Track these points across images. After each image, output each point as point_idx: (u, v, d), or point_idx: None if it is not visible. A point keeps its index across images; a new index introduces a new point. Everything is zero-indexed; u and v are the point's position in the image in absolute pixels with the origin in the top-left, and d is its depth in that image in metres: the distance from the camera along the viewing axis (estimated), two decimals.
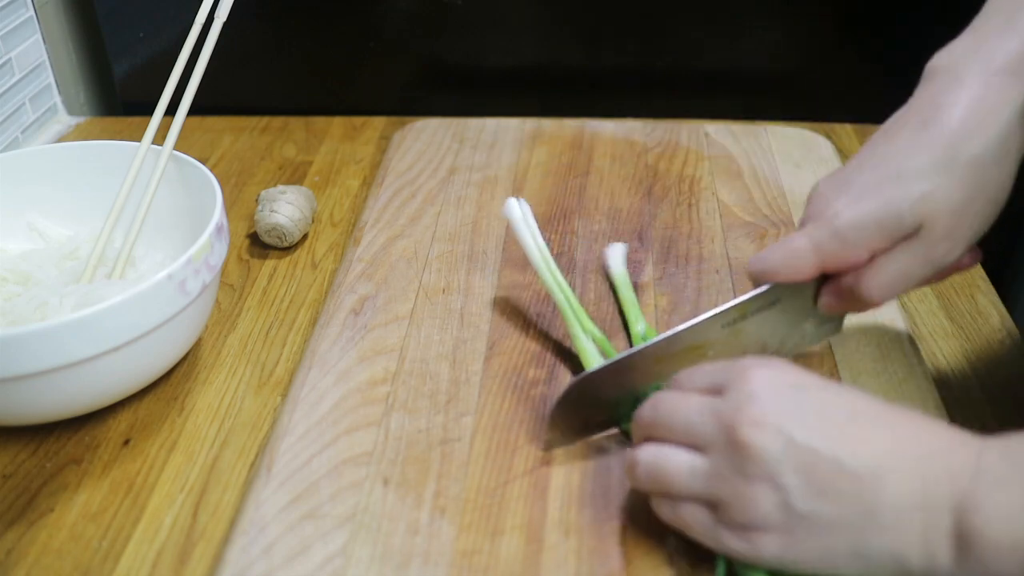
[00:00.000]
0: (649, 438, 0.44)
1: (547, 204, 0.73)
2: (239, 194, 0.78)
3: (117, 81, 0.92)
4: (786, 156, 0.78)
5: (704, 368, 0.45)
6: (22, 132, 0.86)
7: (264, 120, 0.90)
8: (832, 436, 0.39)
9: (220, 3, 0.65)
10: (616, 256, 0.64)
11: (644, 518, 0.47)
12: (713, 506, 0.41)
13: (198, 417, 0.56)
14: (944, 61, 0.48)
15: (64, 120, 0.92)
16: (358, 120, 0.90)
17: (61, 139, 0.89)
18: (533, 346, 0.58)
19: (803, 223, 0.50)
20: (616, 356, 0.51)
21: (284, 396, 0.57)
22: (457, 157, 0.79)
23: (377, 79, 0.91)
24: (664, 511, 0.44)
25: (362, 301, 0.62)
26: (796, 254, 0.48)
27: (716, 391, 0.43)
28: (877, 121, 0.90)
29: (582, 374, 0.50)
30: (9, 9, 0.83)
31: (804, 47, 0.87)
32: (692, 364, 0.49)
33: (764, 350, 0.53)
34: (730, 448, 0.40)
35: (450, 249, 0.68)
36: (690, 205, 0.72)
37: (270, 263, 0.70)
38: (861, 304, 0.49)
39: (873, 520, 0.38)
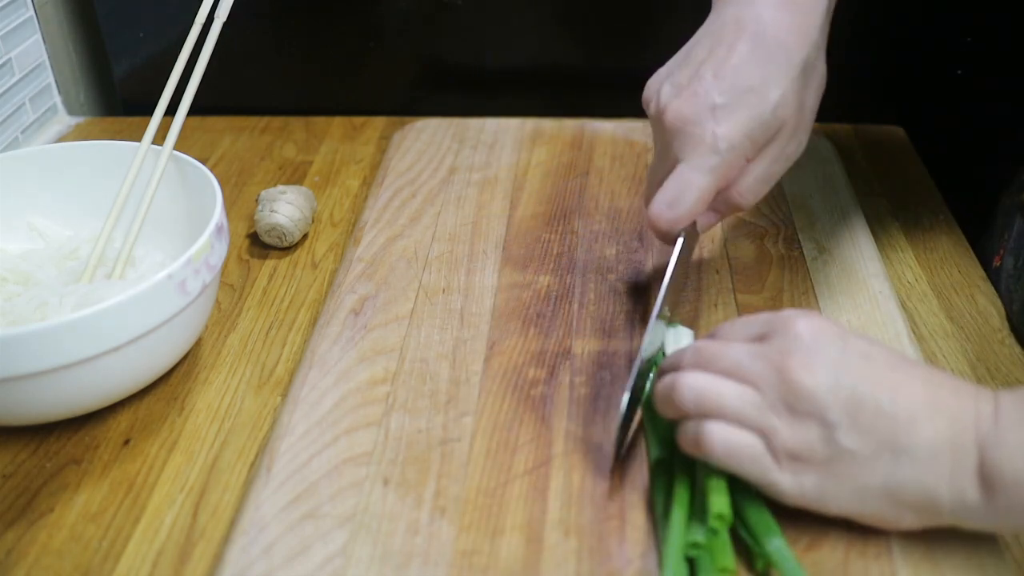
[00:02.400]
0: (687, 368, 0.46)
1: (547, 204, 0.73)
2: (239, 194, 0.78)
3: (117, 81, 0.92)
4: None
5: (742, 320, 0.48)
6: (22, 132, 0.86)
7: (264, 120, 0.90)
8: (874, 381, 0.42)
9: (220, 3, 0.65)
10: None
11: (644, 518, 0.47)
12: (762, 434, 0.43)
13: (198, 417, 0.56)
14: None
15: (64, 120, 0.92)
16: (358, 120, 0.90)
17: (61, 139, 0.89)
18: (533, 346, 0.59)
19: (668, 147, 0.53)
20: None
21: (284, 396, 0.57)
22: (457, 157, 0.79)
23: (377, 79, 0.91)
24: (713, 434, 0.44)
25: (362, 301, 0.62)
26: (702, 188, 0.52)
27: (760, 338, 0.45)
28: (877, 121, 0.90)
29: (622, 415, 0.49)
30: (9, 9, 0.83)
31: None
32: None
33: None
34: (782, 386, 0.42)
35: (450, 249, 0.68)
36: None
37: (270, 263, 0.70)
38: (734, 209, 0.55)
39: (907, 457, 0.41)
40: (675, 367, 0.47)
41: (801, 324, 0.44)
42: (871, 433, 0.41)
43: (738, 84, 0.51)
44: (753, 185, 0.53)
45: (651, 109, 0.56)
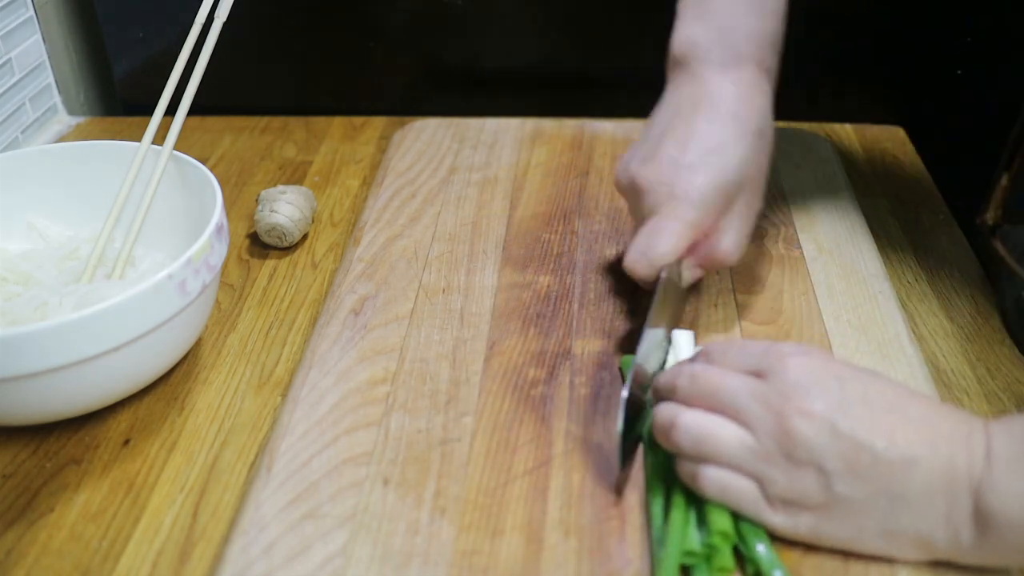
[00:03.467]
0: (684, 399, 0.46)
1: (547, 204, 0.73)
2: (239, 194, 0.78)
3: (117, 81, 0.92)
4: (786, 156, 0.78)
5: (737, 346, 0.47)
6: (22, 132, 0.86)
7: (264, 120, 0.90)
8: (871, 426, 0.42)
9: (220, 3, 0.65)
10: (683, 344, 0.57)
11: (644, 518, 0.47)
12: (758, 480, 0.43)
13: (198, 417, 0.56)
14: (692, 49, 0.58)
15: (64, 120, 0.92)
16: (358, 120, 0.90)
17: (61, 139, 0.89)
18: (533, 346, 0.58)
19: (642, 210, 0.56)
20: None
21: (284, 396, 0.57)
22: (457, 157, 0.79)
23: (377, 79, 0.91)
24: (708, 478, 0.44)
25: (362, 301, 0.62)
26: (678, 235, 0.54)
27: (757, 373, 0.45)
28: (877, 121, 0.90)
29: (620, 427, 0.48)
30: (9, 9, 0.83)
31: (804, 47, 0.87)
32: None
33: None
34: (779, 434, 0.42)
35: (450, 249, 0.68)
36: None
37: (270, 263, 0.70)
38: (720, 264, 0.57)
39: (903, 503, 0.42)
40: (670, 390, 0.47)
41: (797, 364, 0.44)
42: (868, 480, 0.42)
43: (701, 146, 0.55)
44: (734, 238, 0.56)
45: (623, 184, 0.59)
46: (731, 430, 0.44)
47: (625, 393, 0.48)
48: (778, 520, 0.44)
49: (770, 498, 0.43)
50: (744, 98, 0.56)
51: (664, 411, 0.46)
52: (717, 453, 0.44)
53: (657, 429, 0.47)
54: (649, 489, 0.48)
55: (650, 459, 0.49)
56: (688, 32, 0.58)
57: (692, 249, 0.56)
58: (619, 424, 0.47)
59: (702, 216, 0.54)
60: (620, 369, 0.57)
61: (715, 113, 0.56)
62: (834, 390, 0.43)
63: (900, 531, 0.42)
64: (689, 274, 0.58)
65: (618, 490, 0.49)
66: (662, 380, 0.49)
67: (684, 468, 0.46)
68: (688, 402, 0.46)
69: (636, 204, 0.57)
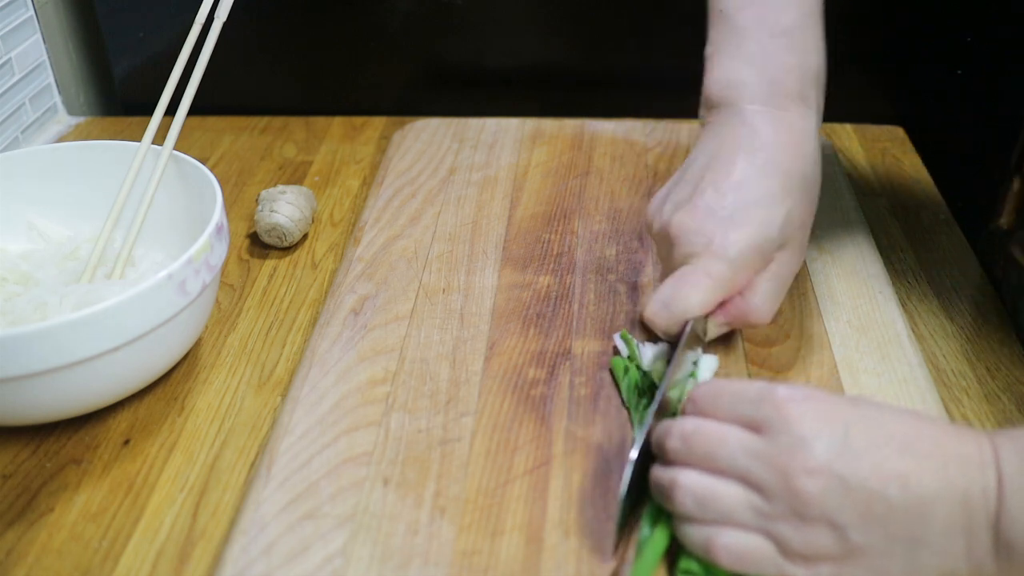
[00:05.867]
0: (679, 461, 0.44)
1: (547, 204, 0.73)
2: (239, 194, 0.78)
3: (117, 81, 0.92)
4: None
5: (727, 392, 0.44)
6: (22, 132, 0.86)
7: (264, 120, 0.90)
8: (883, 474, 0.40)
9: (220, 3, 0.65)
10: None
11: (643, 519, 0.47)
12: (772, 539, 0.41)
13: (198, 417, 0.56)
14: (733, 89, 0.54)
15: (64, 120, 0.92)
16: (358, 120, 0.90)
17: (61, 139, 0.89)
18: (533, 346, 0.58)
19: (672, 259, 0.53)
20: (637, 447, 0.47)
21: (284, 396, 0.57)
22: (457, 157, 0.79)
23: (377, 79, 0.91)
24: (723, 547, 0.42)
25: (362, 301, 0.62)
26: (707, 291, 0.51)
27: (752, 426, 0.42)
28: (877, 121, 0.90)
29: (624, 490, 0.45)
30: (9, 9, 0.83)
31: None
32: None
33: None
34: (788, 494, 0.40)
35: (450, 249, 0.68)
36: None
37: (270, 263, 0.70)
38: (751, 325, 0.54)
39: (923, 545, 0.40)
40: (661, 449, 0.44)
41: (797, 413, 0.41)
42: (884, 528, 0.40)
43: (741, 200, 0.51)
44: (768, 298, 0.53)
45: (655, 228, 0.55)
46: (735, 491, 0.42)
47: (634, 454, 0.45)
48: (799, 572, 0.41)
49: (787, 554, 0.41)
50: (791, 143, 0.53)
51: (662, 475, 0.44)
52: (725, 514, 0.42)
53: (655, 493, 0.45)
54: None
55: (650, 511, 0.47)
56: (726, 72, 0.55)
57: (722, 306, 0.53)
58: (623, 488, 0.45)
59: (736, 274, 0.51)
60: (611, 371, 0.56)
61: (759, 160, 0.52)
62: (838, 439, 0.40)
63: (923, 570, 0.40)
64: (716, 330, 0.55)
65: (615, 550, 0.46)
66: (653, 438, 0.46)
67: (693, 535, 0.43)
68: (687, 460, 0.43)
69: (667, 252, 0.54)
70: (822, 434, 0.40)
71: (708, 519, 0.42)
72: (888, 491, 0.39)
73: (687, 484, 0.42)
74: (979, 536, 0.39)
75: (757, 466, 0.41)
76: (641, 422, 0.52)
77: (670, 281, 0.53)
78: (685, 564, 0.44)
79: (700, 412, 0.44)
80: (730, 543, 0.42)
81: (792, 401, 0.42)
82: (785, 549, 0.41)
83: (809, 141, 0.54)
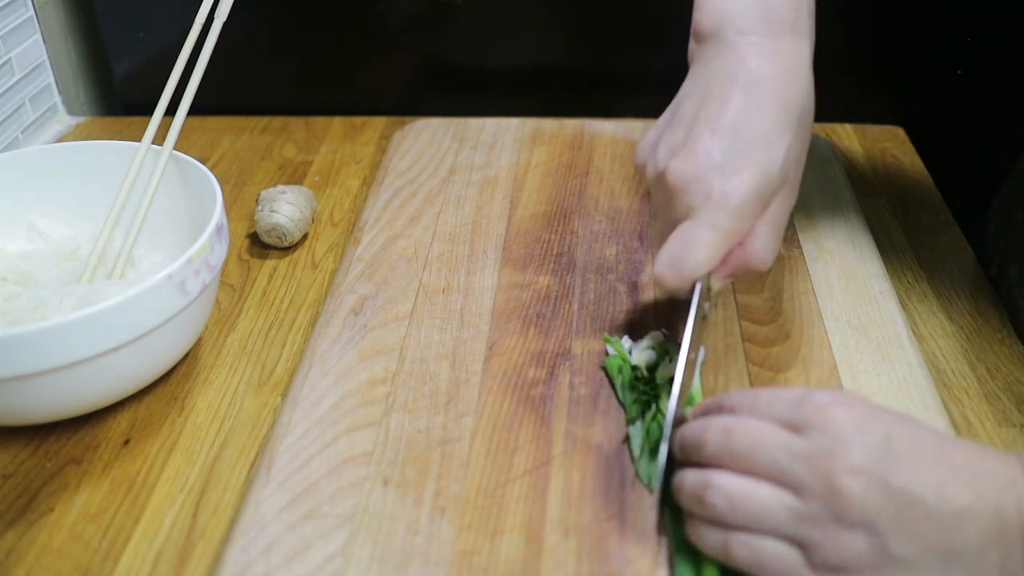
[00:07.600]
0: (715, 464, 0.42)
1: (547, 204, 0.73)
2: (239, 194, 0.78)
3: (117, 81, 0.92)
4: None
5: (768, 395, 0.43)
6: (22, 132, 0.86)
7: (264, 120, 0.90)
8: (922, 480, 0.39)
9: (220, 3, 0.65)
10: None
11: (644, 518, 0.47)
12: (801, 546, 0.40)
13: (198, 417, 0.56)
14: (724, 19, 0.52)
15: (64, 120, 0.92)
16: (358, 120, 0.90)
17: (61, 139, 0.89)
18: (533, 346, 0.58)
19: (672, 211, 0.50)
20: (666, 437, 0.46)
21: (284, 396, 0.57)
22: (457, 157, 0.79)
23: (377, 79, 0.91)
24: (742, 544, 0.41)
25: (362, 301, 0.62)
26: (710, 245, 0.48)
27: (792, 426, 0.41)
28: (877, 121, 0.90)
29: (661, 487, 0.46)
30: (9, 9, 0.83)
31: None
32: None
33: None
34: (827, 494, 0.39)
35: (450, 249, 0.68)
36: None
37: (270, 263, 0.70)
38: (753, 272, 0.51)
39: (956, 558, 0.39)
40: (698, 445, 0.43)
41: (840, 415, 0.40)
42: (921, 537, 0.39)
43: (738, 141, 0.49)
44: (770, 243, 0.51)
45: (648, 172, 0.53)
46: (771, 491, 0.40)
47: (665, 447, 0.45)
48: None
49: (814, 564, 0.40)
50: (786, 75, 0.50)
51: (694, 477, 0.43)
52: (757, 518, 0.40)
53: (685, 496, 0.43)
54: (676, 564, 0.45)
55: (671, 527, 0.46)
56: (716, 2, 0.52)
57: (724, 257, 0.51)
58: (660, 470, 0.44)
59: (740, 223, 0.49)
60: (604, 369, 0.56)
61: (755, 94, 0.49)
62: (880, 442, 0.40)
63: None
64: (719, 283, 0.53)
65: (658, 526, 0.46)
66: (688, 435, 0.44)
67: (710, 537, 0.42)
68: (719, 459, 0.42)
69: (665, 202, 0.51)
70: (864, 436, 0.40)
71: (737, 522, 0.41)
72: (926, 497, 0.39)
73: (721, 484, 0.41)
74: (1012, 550, 0.39)
75: (797, 465, 0.40)
76: (664, 395, 0.52)
77: (674, 238, 0.50)
78: None
79: (737, 413, 0.44)
80: (752, 548, 0.41)
81: (833, 405, 0.41)
82: (812, 558, 0.40)
83: (803, 71, 0.51)
